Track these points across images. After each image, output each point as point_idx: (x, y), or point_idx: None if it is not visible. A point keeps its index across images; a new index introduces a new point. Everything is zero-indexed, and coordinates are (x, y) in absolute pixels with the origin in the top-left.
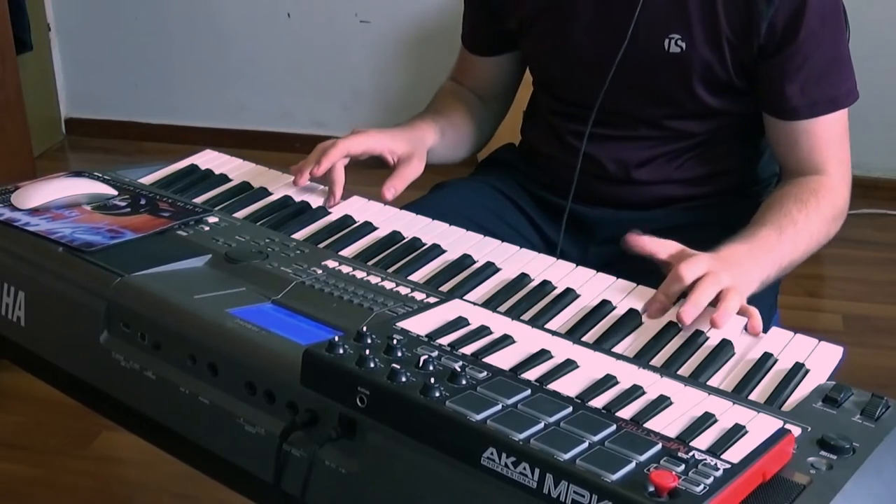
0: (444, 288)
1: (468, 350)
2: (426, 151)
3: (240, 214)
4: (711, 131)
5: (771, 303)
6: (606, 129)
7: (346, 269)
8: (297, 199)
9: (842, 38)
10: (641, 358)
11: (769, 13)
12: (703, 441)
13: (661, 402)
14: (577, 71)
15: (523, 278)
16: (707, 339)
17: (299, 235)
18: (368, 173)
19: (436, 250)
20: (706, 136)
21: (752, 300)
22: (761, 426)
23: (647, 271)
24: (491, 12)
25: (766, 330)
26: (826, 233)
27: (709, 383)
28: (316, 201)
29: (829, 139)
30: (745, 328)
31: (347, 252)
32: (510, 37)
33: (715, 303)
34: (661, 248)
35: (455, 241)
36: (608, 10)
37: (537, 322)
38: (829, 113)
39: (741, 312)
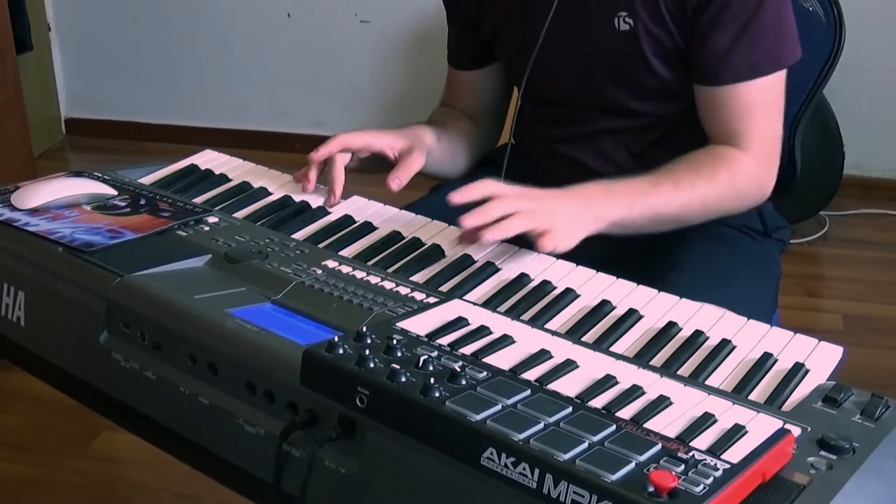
0: (444, 288)
1: (468, 350)
2: (425, 148)
3: (240, 214)
4: (682, 114)
5: (773, 297)
6: (581, 125)
7: (346, 269)
8: (297, 199)
9: (768, 5)
10: (641, 358)
11: None
12: (703, 441)
13: (661, 402)
14: (540, 69)
15: (523, 278)
16: (707, 339)
17: (299, 235)
18: (369, 173)
19: (436, 250)
20: (678, 120)
21: (749, 299)
22: (761, 426)
23: (648, 271)
24: (468, 23)
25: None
26: (718, 202)
27: (708, 383)
28: (316, 201)
29: (748, 109)
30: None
31: (347, 252)
32: (489, 46)
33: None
34: (477, 188)
35: (455, 241)
36: (563, 4)
37: (537, 322)
38: (748, 80)
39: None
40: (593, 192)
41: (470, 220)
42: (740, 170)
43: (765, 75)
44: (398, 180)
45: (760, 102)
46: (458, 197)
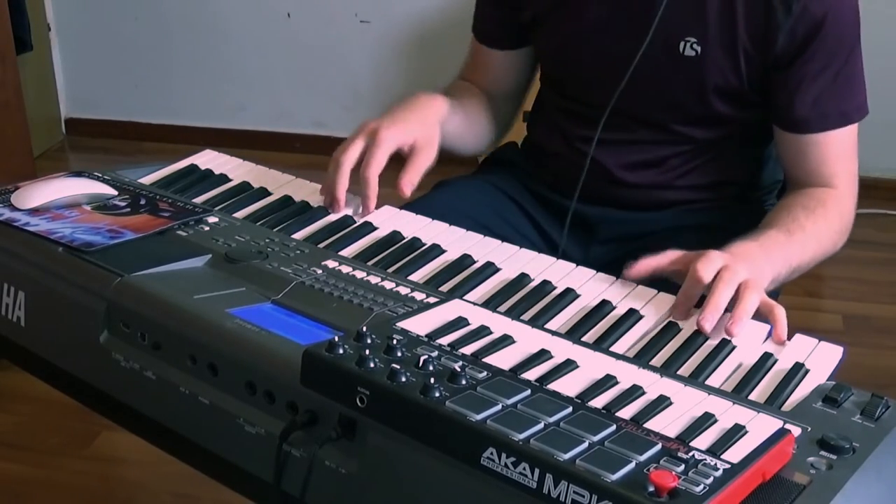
0: (444, 288)
1: (468, 350)
2: (437, 128)
3: (240, 214)
4: (718, 139)
5: (773, 296)
6: (612, 131)
7: (346, 269)
8: (297, 199)
9: (857, 53)
10: (641, 358)
11: (787, 23)
12: (703, 441)
13: (661, 402)
14: (587, 69)
15: (523, 278)
16: (707, 339)
17: (299, 235)
18: None
19: (436, 250)
20: (712, 142)
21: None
22: (761, 426)
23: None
24: (507, 4)
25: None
26: (833, 242)
27: (709, 383)
28: (316, 201)
29: (838, 153)
30: (770, 335)
31: (347, 252)
32: (525, 30)
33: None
34: (662, 261)
35: (455, 241)
36: (624, 8)
37: (537, 322)
38: (839, 127)
39: (764, 308)
40: (755, 253)
41: (710, 322)
42: (844, 208)
43: (853, 123)
44: (411, 184)
45: (847, 146)
46: (709, 323)
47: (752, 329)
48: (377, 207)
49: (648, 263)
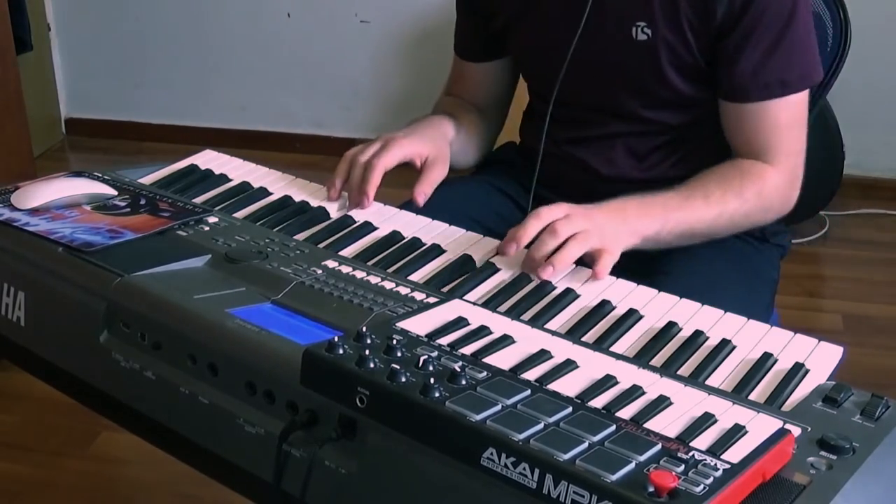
0: (445, 288)
1: (468, 350)
2: (449, 149)
3: (240, 214)
4: (691, 124)
5: (767, 302)
6: (587, 128)
7: (346, 269)
8: (297, 199)
9: (798, 21)
10: (641, 358)
11: None
12: (703, 441)
13: (661, 402)
14: (550, 68)
15: (523, 278)
16: (707, 339)
17: (299, 235)
18: None
19: (436, 250)
20: (687, 130)
21: (737, 304)
22: (761, 426)
23: (648, 271)
24: (481, 15)
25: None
26: (746, 215)
27: (709, 383)
28: (316, 201)
29: (776, 125)
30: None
31: (347, 252)
32: (501, 40)
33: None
34: (533, 226)
35: (455, 241)
36: (577, 6)
37: (537, 322)
38: (779, 97)
39: (591, 256)
40: (629, 206)
41: (531, 262)
42: (768, 185)
43: (795, 92)
44: (423, 194)
45: (788, 119)
46: (514, 248)
47: (751, 329)
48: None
49: (516, 233)
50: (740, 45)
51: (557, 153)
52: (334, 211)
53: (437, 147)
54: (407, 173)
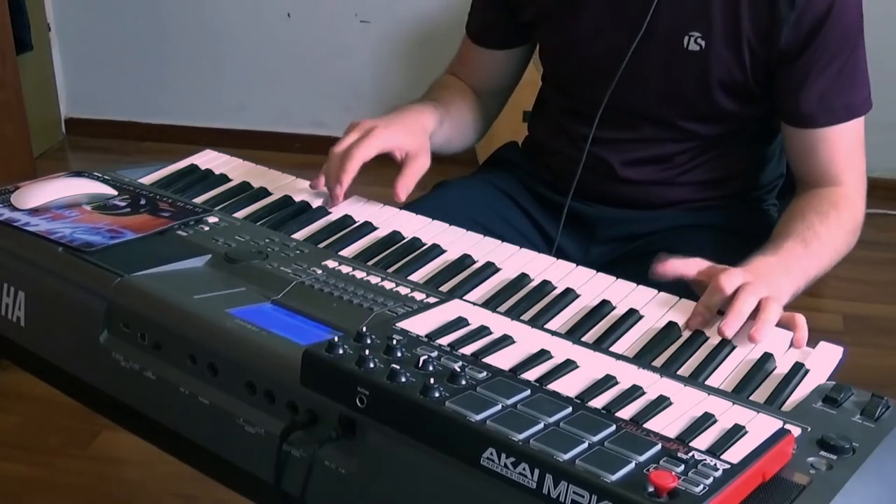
0: (444, 288)
1: (468, 350)
2: (428, 141)
3: (240, 214)
4: (721, 135)
5: None
6: (615, 128)
7: (346, 269)
8: (297, 199)
9: (860, 46)
10: (641, 358)
11: (792, 18)
12: (703, 441)
13: (661, 403)
14: (588, 66)
15: (523, 278)
16: (707, 338)
17: (299, 235)
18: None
19: (436, 250)
20: (715, 139)
21: None
22: (761, 426)
23: (648, 271)
24: (507, 4)
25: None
26: (846, 244)
27: (709, 383)
28: (316, 201)
29: (846, 149)
30: (791, 342)
31: (347, 252)
32: (523, 30)
33: (754, 315)
34: (690, 267)
35: (455, 241)
36: (623, 4)
37: (537, 322)
38: (845, 121)
39: (784, 323)
40: (774, 268)
41: (732, 328)
42: (854, 208)
43: (859, 116)
44: (406, 188)
45: (854, 141)
46: (731, 329)
47: (750, 329)
48: (375, 208)
49: (676, 267)
50: (806, 72)
51: (570, 151)
52: (334, 210)
53: (417, 140)
54: (395, 172)
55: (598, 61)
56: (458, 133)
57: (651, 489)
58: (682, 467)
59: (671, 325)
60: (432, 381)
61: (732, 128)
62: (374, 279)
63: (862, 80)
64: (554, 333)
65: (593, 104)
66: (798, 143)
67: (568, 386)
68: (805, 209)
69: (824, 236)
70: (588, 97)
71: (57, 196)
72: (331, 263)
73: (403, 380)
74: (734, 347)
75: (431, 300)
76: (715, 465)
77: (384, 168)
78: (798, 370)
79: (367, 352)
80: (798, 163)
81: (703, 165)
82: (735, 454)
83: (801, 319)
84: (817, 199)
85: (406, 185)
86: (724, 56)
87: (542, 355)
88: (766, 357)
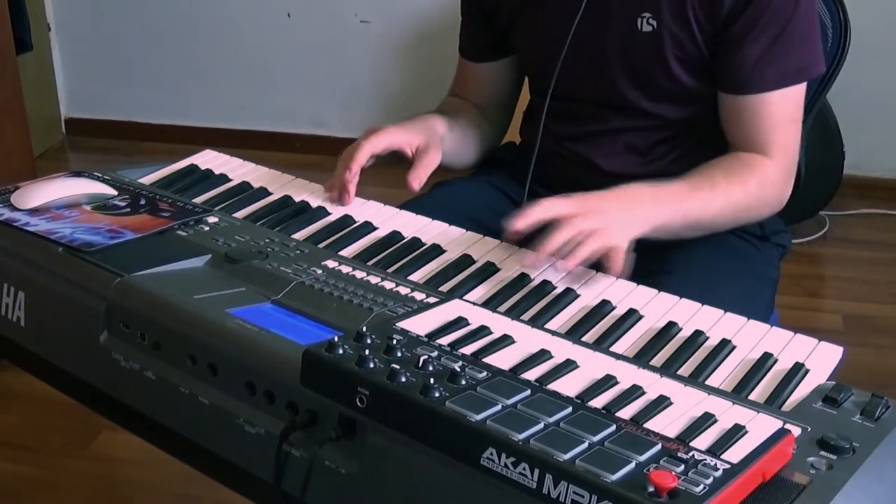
0: (444, 288)
1: (468, 350)
2: (440, 143)
3: (240, 214)
4: (693, 118)
5: (768, 302)
6: (590, 123)
7: (346, 269)
8: (297, 199)
9: (800, 14)
10: (641, 358)
11: None
12: (703, 441)
13: (661, 402)
14: (552, 60)
15: (523, 278)
16: (707, 339)
17: (299, 235)
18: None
19: (436, 250)
20: (689, 123)
21: (737, 303)
22: (761, 426)
23: (648, 271)
24: (485, 13)
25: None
26: (747, 208)
27: (709, 383)
28: (316, 201)
29: (775, 119)
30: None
31: (347, 252)
32: (505, 39)
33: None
34: (536, 211)
35: (455, 241)
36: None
37: (537, 322)
38: (776, 89)
39: (605, 254)
40: (640, 194)
41: (540, 255)
42: (768, 178)
43: (792, 85)
44: (418, 179)
45: (786, 113)
46: (520, 224)
47: (752, 329)
48: (375, 208)
49: (524, 219)
50: (741, 37)
51: (558, 150)
52: (334, 211)
53: (427, 136)
54: (405, 174)
55: (559, 56)
56: (467, 146)
57: (651, 489)
58: (683, 467)
59: (671, 325)
60: (432, 380)
61: (702, 109)
62: (374, 279)
63: (800, 48)
64: (554, 333)
65: (568, 101)
66: (729, 110)
67: (568, 386)
68: (715, 163)
69: (720, 188)
70: (560, 94)
71: (57, 196)
72: (331, 263)
73: (403, 380)
74: (734, 347)
75: (431, 300)
76: (715, 464)
77: (385, 168)
78: (798, 370)
79: (367, 352)
80: (727, 128)
81: (686, 157)
82: (735, 454)
83: (617, 260)
84: (732, 158)
85: (419, 175)
86: (675, 32)
87: (542, 355)
88: (766, 357)
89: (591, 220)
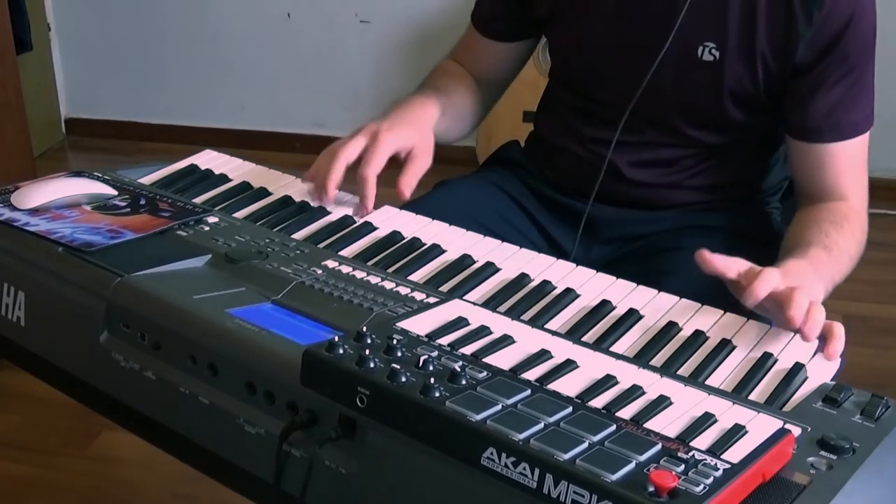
0: (444, 288)
1: (468, 350)
2: (433, 135)
3: (240, 214)
4: (729, 144)
5: None
6: (622, 131)
7: (346, 269)
8: (297, 199)
9: (871, 63)
10: (641, 358)
11: (809, 34)
12: (703, 441)
13: (661, 402)
14: (602, 67)
15: (523, 278)
16: (707, 338)
17: (299, 235)
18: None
19: (436, 250)
20: (721, 147)
21: (741, 306)
22: (761, 426)
23: (648, 271)
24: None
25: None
26: (858, 254)
27: (709, 383)
28: (316, 201)
29: (851, 165)
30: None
31: (347, 252)
32: (534, 25)
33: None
34: (731, 265)
35: (455, 241)
36: (645, 9)
37: (537, 322)
38: (849, 139)
39: (825, 330)
40: (807, 270)
41: (809, 329)
42: (863, 223)
43: (863, 133)
44: (410, 187)
45: (858, 157)
46: (753, 300)
47: (751, 329)
48: (375, 208)
49: (719, 263)
50: (817, 86)
51: (577, 149)
52: (334, 211)
53: (421, 136)
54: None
55: (613, 63)
56: (458, 121)
57: (651, 489)
58: (683, 467)
59: (671, 325)
60: (432, 380)
61: (739, 137)
62: (374, 279)
63: (868, 98)
64: (554, 333)
65: (603, 105)
66: (804, 158)
67: (568, 386)
68: (819, 219)
69: (842, 244)
70: (599, 98)
71: (57, 196)
72: (331, 263)
73: (403, 379)
74: (734, 347)
75: (431, 300)
76: (715, 464)
77: (385, 169)
78: (798, 370)
79: (367, 352)
80: (802, 176)
81: (709, 170)
82: (735, 454)
83: (839, 329)
84: (829, 212)
85: (409, 183)
86: (737, 68)
87: (542, 355)
88: (766, 357)
89: (814, 291)
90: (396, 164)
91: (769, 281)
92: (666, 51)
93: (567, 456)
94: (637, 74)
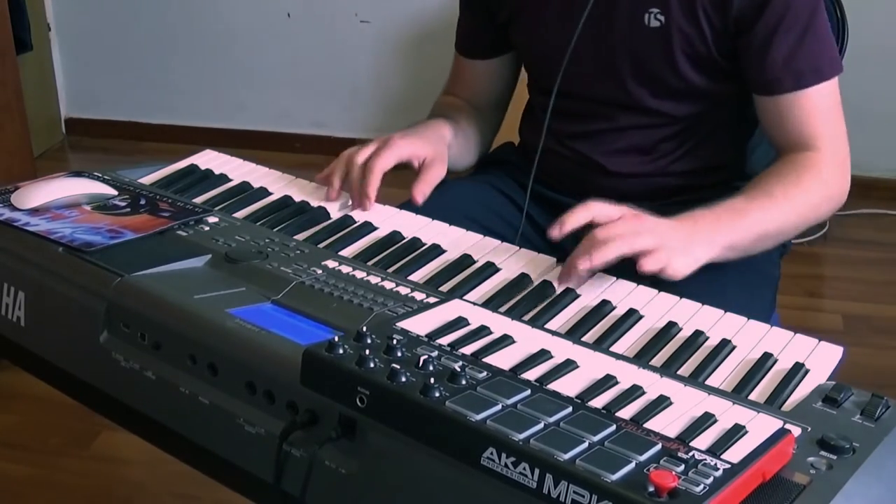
0: (444, 288)
1: (468, 350)
2: (447, 155)
3: (240, 214)
4: (697, 115)
5: (769, 300)
6: (594, 121)
7: (346, 269)
8: (297, 199)
9: (820, 10)
10: (641, 358)
11: None
12: (703, 441)
13: (661, 402)
14: (559, 59)
15: (523, 278)
16: (707, 339)
17: (299, 235)
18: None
19: (436, 250)
20: (693, 120)
21: (741, 303)
22: (761, 426)
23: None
24: (485, 8)
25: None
26: (813, 207)
27: (709, 383)
28: (316, 201)
29: (817, 113)
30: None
31: (347, 252)
32: (505, 35)
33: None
34: (581, 214)
35: (455, 241)
36: None
37: (537, 322)
38: (814, 84)
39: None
40: (700, 217)
41: (582, 262)
42: (824, 173)
43: (828, 79)
44: (423, 194)
45: (827, 105)
46: (558, 231)
47: (752, 329)
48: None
49: (569, 222)
50: (768, 37)
51: (559, 149)
52: (334, 211)
53: (434, 148)
54: (407, 174)
55: (563, 51)
56: (467, 147)
57: (651, 489)
58: (683, 467)
59: (671, 325)
60: (432, 380)
61: (707, 106)
62: (374, 279)
63: (827, 44)
64: (554, 333)
65: (568, 98)
66: (768, 112)
67: (568, 386)
68: (766, 173)
69: (778, 196)
70: (561, 89)
71: (57, 196)
72: (331, 263)
73: (403, 379)
74: (734, 347)
75: (431, 300)
76: (715, 464)
77: (392, 170)
78: (798, 370)
79: (367, 352)
80: (771, 132)
81: (689, 154)
82: (735, 454)
83: (582, 265)
84: (782, 163)
85: (423, 190)
86: (683, 29)
87: (542, 355)
88: (766, 357)
89: (625, 226)
90: (406, 168)
91: (577, 213)
92: (617, 26)
93: (567, 456)
94: (591, 59)
